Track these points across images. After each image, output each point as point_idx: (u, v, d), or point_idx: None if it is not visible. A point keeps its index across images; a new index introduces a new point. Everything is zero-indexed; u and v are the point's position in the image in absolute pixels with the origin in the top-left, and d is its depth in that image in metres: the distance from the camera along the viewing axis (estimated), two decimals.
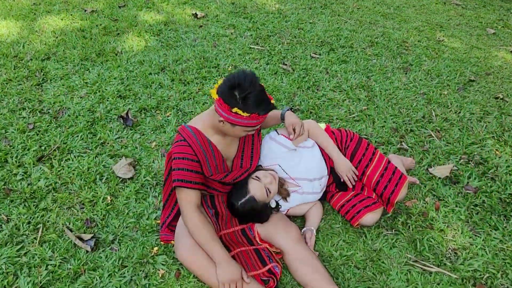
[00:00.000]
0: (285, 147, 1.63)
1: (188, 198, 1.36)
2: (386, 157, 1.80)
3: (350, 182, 1.69)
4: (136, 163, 2.10)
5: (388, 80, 2.94)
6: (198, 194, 1.39)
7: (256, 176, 1.52)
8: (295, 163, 1.65)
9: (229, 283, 1.28)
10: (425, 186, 2.00)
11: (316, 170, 1.67)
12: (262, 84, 1.34)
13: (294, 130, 1.57)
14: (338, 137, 1.79)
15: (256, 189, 1.48)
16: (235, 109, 1.19)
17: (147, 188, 1.95)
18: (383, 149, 2.27)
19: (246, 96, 1.17)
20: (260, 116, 1.24)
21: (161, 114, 2.48)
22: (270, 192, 1.52)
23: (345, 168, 1.68)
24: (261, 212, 1.54)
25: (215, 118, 1.31)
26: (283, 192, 1.66)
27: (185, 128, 1.40)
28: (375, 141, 2.33)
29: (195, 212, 1.35)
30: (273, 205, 1.63)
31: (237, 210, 1.51)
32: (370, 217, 1.68)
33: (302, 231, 1.61)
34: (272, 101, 1.26)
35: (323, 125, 1.85)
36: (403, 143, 2.32)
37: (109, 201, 1.87)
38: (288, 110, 1.65)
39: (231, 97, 1.18)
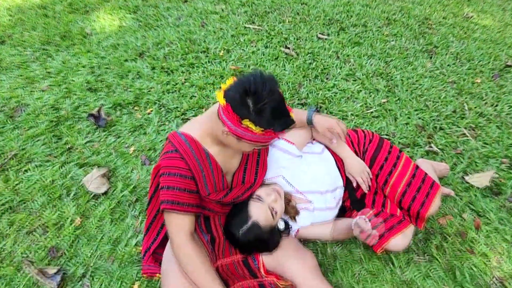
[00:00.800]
0: (288, 153, 1.56)
1: (179, 225, 1.28)
2: (414, 162, 1.69)
3: (365, 185, 1.61)
4: (111, 173, 2.02)
5: (410, 66, 2.84)
6: (192, 219, 1.31)
7: (257, 196, 1.44)
8: (301, 172, 1.57)
9: None
10: (461, 199, 1.92)
11: (328, 180, 1.60)
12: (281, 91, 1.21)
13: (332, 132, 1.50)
14: (354, 139, 1.72)
15: (259, 212, 1.41)
16: (246, 122, 1.11)
17: (125, 206, 1.87)
18: (408, 152, 2.19)
19: (262, 107, 1.08)
20: (276, 133, 1.15)
21: (141, 111, 2.41)
22: (276, 213, 1.44)
23: (358, 169, 1.61)
24: (267, 240, 1.45)
25: (217, 127, 1.22)
26: (291, 210, 1.57)
27: (177, 135, 1.31)
28: (399, 143, 2.24)
29: (188, 241, 1.28)
30: (281, 226, 1.53)
31: (238, 240, 1.42)
32: (396, 241, 1.58)
33: (354, 221, 1.45)
34: (292, 114, 1.17)
35: None
36: (431, 144, 2.24)
37: (79, 224, 1.80)
38: (314, 111, 1.58)
39: (243, 106, 1.08)
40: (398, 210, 1.64)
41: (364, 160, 1.68)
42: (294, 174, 1.58)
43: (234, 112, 1.10)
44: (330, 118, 1.58)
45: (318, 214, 1.64)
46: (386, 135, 2.32)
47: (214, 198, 1.38)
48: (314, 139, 1.71)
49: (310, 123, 1.60)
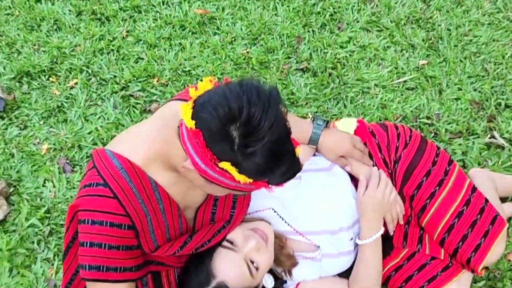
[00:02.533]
0: None
1: None
2: (469, 180, 1.68)
3: (392, 225, 1.62)
4: (12, 189, 1.96)
5: (460, 7, 2.72)
6: None
7: (228, 241, 1.43)
8: (301, 202, 1.58)
9: None
10: None
11: (342, 212, 1.60)
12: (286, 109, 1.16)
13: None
14: (382, 141, 1.71)
15: (229, 268, 1.38)
16: (225, 165, 1.05)
17: (33, 243, 1.81)
18: (460, 146, 2.12)
19: (255, 148, 1.02)
20: (272, 185, 1.14)
21: (60, 84, 2.34)
22: (257, 268, 1.40)
23: (388, 202, 1.58)
24: None
25: (174, 152, 1.18)
26: (285, 261, 1.54)
27: (106, 158, 1.23)
28: (445, 131, 2.17)
29: None
30: (268, 285, 1.50)
31: None
32: None
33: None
34: (298, 151, 1.13)
35: (352, 122, 1.75)
36: (494, 132, 2.17)
37: None
38: (323, 126, 1.62)
39: (223, 140, 1.03)
40: (442, 251, 1.63)
41: (395, 174, 1.67)
42: (290, 206, 1.58)
43: (207, 147, 1.05)
44: (344, 139, 1.61)
45: (329, 264, 1.59)
46: (427, 118, 2.23)
47: (164, 253, 1.36)
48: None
49: (313, 144, 1.62)
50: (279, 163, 1.09)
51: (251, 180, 1.09)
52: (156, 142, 1.26)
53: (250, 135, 1.02)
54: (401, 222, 1.63)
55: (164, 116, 1.30)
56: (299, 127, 1.62)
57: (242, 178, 1.08)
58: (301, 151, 1.53)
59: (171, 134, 1.18)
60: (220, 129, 1.03)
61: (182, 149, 1.13)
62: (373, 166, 1.66)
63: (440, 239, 1.61)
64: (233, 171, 1.07)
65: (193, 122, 1.05)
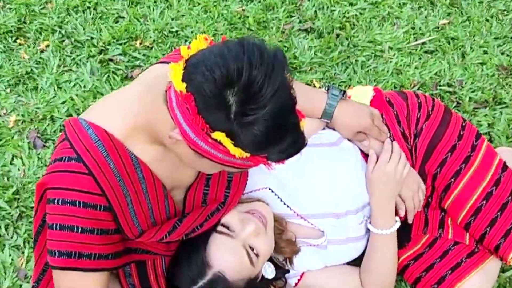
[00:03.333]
0: None
1: None
2: (498, 155, 1.68)
3: (412, 214, 1.63)
4: None
5: None
6: (103, 279, 1.32)
7: (224, 226, 1.44)
8: (303, 182, 1.59)
9: None
10: None
11: (351, 192, 1.60)
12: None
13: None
14: (401, 111, 1.70)
15: (227, 256, 1.39)
16: (218, 135, 1.06)
17: (0, 228, 1.83)
18: (486, 117, 2.12)
19: (255, 116, 1.02)
20: (271, 162, 1.16)
21: (29, 47, 2.33)
22: (258, 255, 1.41)
23: (410, 187, 1.61)
24: None
25: (161, 121, 1.18)
26: (285, 248, 1.55)
27: (80, 128, 1.25)
28: (469, 99, 2.16)
29: None
30: (269, 275, 1.50)
31: None
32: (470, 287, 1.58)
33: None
34: (302, 125, 1.14)
35: (368, 91, 1.75)
36: None
37: None
38: (337, 94, 1.62)
39: (218, 106, 1.03)
40: (467, 235, 1.63)
41: (415, 150, 1.66)
42: (289, 185, 1.58)
43: (199, 114, 1.04)
44: (363, 112, 1.61)
45: (336, 252, 1.60)
46: (449, 85, 2.22)
47: (150, 239, 1.36)
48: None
49: (327, 118, 1.61)
50: (281, 137, 1.08)
51: (248, 155, 1.08)
52: (138, 110, 1.24)
53: (249, 102, 1.01)
54: (419, 209, 1.66)
55: (148, 80, 1.29)
56: (310, 98, 1.61)
57: (237, 152, 1.07)
58: (308, 125, 1.51)
59: (156, 100, 1.16)
60: (215, 94, 1.01)
61: (169, 118, 1.12)
62: (392, 141, 1.68)
63: (465, 223, 1.61)
64: (227, 143, 1.06)
65: (184, 85, 1.03)
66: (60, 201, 1.22)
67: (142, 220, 1.34)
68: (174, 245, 1.49)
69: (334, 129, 1.69)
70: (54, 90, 2.17)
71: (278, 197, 1.57)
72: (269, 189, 1.57)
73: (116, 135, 1.25)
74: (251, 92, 1.01)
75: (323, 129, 1.69)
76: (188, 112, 1.06)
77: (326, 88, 1.65)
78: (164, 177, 1.34)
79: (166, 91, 1.12)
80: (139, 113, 1.24)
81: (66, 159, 1.22)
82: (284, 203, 1.57)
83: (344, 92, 1.65)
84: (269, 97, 1.01)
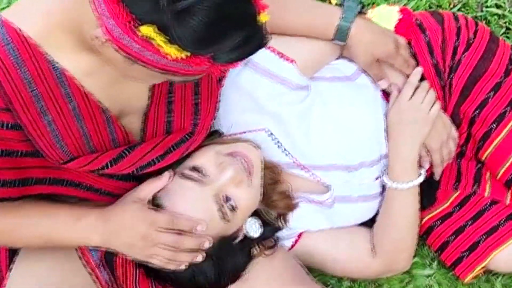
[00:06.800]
0: (281, 82, 1.56)
1: None
2: None
3: (440, 168, 1.60)
4: None
5: None
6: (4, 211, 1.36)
7: (192, 168, 1.39)
8: (308, 123, 1.54)
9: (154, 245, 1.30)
10: None
11: (366, 139, 1.57)
12: None
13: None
14: (434, 39, 1.62)
15: (188, 205, 1.36)
16: (146, 29, 0.94)
17: None
18: None
19: (189, 2, 0.91)
20: (218, 65, 1.02)
21: None
22: (235, 208, 1.37)
23: (439, 135, 1.57)
24: (217, 266, 1.41)
25: (83, 15, 1.07)
26: (280, 202, 1.51)
27: None
28: (508, 23, 2.05)
29: None
30: (254, 232, 1.47)
31: (157, 272, 1.41)
32: (508, 255, 1.56)
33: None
34: (263, 18, 0.99)
35: (392, 12, 1.66)
36: None
37: None
38: (354, 7, 1.53)
39: None
40: (509, 194, 1.59)
41: (450, 87, 1.60)
42: (291, 127, 1.53)
43: (122, 2, 0.94)
44: (386, 36, 1.55)
45: (343, 211, 1.56)
46: (497, 6, 2.04)
47: (83, 166, 1.31)
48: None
49: (342, 38, 1.52)
50: (228, 30, 0.96)
51: (187, 54, 0.95)
52: (60, 5, 1.13)
53: None
54: (450, 161, 1.60)
55: None
56: (321, 13, 1.53)
57: (172, 51, 0.95)
58: (319, 49, 1.58)
59: None
60: None
61: (92, 18, 1.01)
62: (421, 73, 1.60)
63: (507, 179, 1.54)
64: (159, 39, 0.93)
65: None
66: None
67: (72, 145, 1.26)
68: (130, 184, 1.39)
69: (349, 61, 1.60)
70: None
71: (277, 142, 1.49)
72: (267, 131, 1.48)
73: (33, 37, 1.14)
74: None
75: (337, 59, 1.59)
76: (111, 2, 0.95)
77: (342, 2, 1.55)
78: (101, 96, 1.25)
79: None
80: (61, 10, 1.13)
81: None
82: (284, 150, 1.49)
83: (363, 4, 1.59)
84: None
